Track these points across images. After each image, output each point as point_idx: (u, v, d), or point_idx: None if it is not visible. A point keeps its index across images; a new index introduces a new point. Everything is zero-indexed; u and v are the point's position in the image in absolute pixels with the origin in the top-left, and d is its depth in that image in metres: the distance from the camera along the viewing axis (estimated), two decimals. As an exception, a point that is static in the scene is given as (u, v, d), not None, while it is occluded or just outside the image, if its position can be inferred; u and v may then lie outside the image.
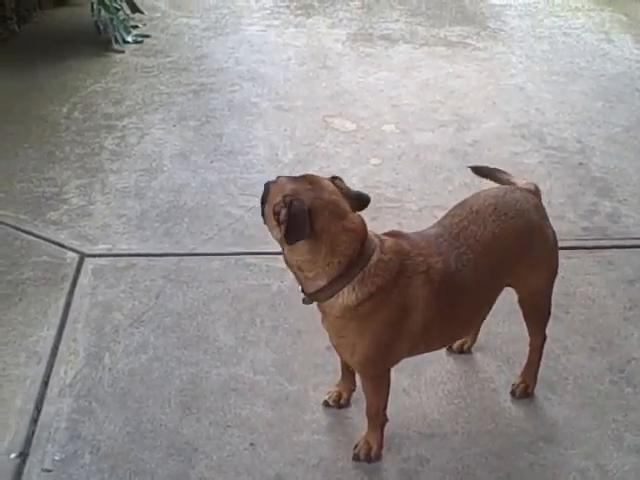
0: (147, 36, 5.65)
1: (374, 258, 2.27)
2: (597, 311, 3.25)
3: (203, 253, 3.53)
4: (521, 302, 2.70)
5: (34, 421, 2.69)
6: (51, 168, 4.11)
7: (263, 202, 2.34)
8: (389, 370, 2.48)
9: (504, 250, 2.47)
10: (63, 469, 2.53)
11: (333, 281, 2.25)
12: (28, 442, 2.61)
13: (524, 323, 2.76)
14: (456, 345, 2.99)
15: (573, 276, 3.42)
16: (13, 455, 2.56)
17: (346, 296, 2.26)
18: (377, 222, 3.71)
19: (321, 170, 4.16)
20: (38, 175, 4.05)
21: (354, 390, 2.76)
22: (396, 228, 3.67)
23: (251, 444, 2.64)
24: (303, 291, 2.34)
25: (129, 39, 5.56)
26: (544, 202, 3.71)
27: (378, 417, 2.55)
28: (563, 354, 3.02)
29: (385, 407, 2.54)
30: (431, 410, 2.79)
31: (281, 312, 3.17)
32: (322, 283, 2.26)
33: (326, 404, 2.77)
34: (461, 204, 2.58)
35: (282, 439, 2.66)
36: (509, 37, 5.86)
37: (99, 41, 5.47)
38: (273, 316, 3.17)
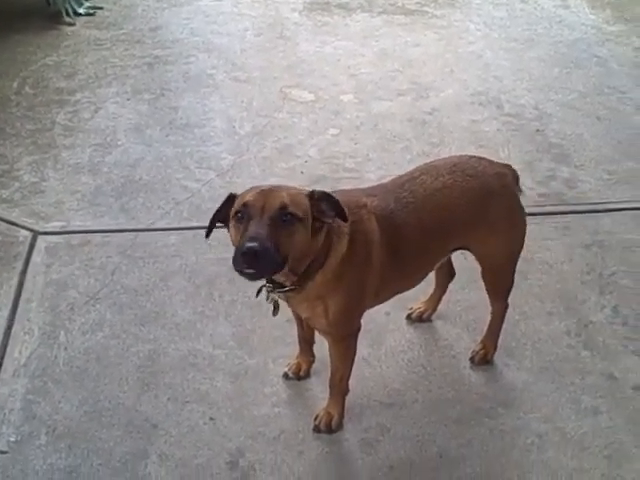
0: (99, 8, 5.51)
1: None
2: (555, 276, 3.27)
3: (160, 228, 3.48)
4: (482, 271, 2.69)
5: (-12, 403, 2.64)
6: (1, 145, 4.01)
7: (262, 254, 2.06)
8: (357, 333, 2.46)
9: (452, 205, 2.44)
10: (19, 450, 2.50)
11: (325, 239, 2.21)
12: (-18, 424, 2.57)
13: (484, 290, 2.76)
14: (415, 314, 3.00)
15: (531, 242, 3.39)
16: (-33, 438, 2.51)
17: (338, 245, 2.23)
18: (336, 193, 3.70)
19: (279, 141, 4.13)
20: (-12, 152, 3.95)
21: (313, 362, 2.76)
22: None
23: (211, 419, 2.62)
24: (276, 286, 2.25)
25: (81, 11, 5.41)
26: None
27: (341, 386, 2.55)
28: (522, 319, 3.04)
29: (349, 376, 2.53)
30: (391, 379, 2.79)
31: (240, 286, 3.13)
32: (315, 253, 2.20)
33: (286, 376, 2.76)
34: (429, 162, 2.60)
35: (242, 413, 2.65)
36: (467, 5, 5.81)
37: (49, 13, 5.31)
38: (232, 290, 3.14)
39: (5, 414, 2.61)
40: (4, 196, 3.63)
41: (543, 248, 3.39)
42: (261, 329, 2.96)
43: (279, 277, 2.21)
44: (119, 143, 4.08)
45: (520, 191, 2.66)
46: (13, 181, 3.74)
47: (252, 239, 2.02)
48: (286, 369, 2.77)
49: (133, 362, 2.82)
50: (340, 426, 2.59)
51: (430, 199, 2.42)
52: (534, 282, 3.22)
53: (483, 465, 2.51)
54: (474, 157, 2.62)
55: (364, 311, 2.47)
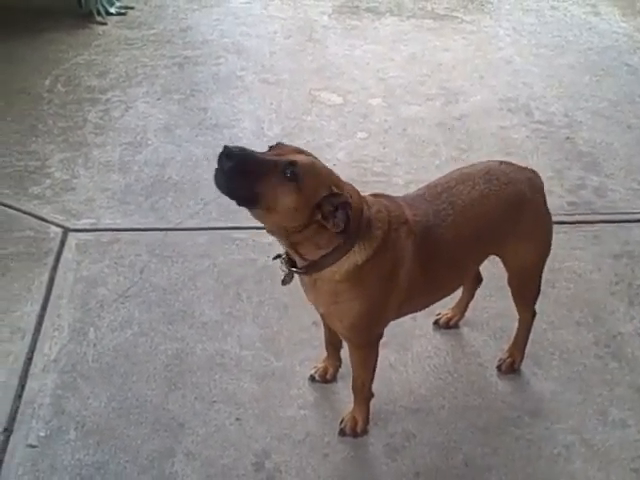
0: (130, 8, 5.55)
1: (367, 213, 2.20)
2: (583, 286, 3.25)
3: (188, 228, 3.49)
4: (510, 278, 2.67)
5: (18, 397, 2.67)
6: (34, 142, 4.05)
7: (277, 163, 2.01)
8: (377, 342, 2.43)
9: (489, 214, 2.42)
10: (48, 445, 2.52)
11: (343, 243, 2.15)
12: (12, 418, 2.60)
13: (511, 298, 2.75)
14: (443, 320, 2.99)
15: (560, 251, 3.40)
16: (-3, 431, 2.54)
17: (357, 255, 2.17)
18: (364, 197, 3.71)
19: (308, 144, 4.12)
20: (20, 149, 3.99)
21: (340, 366, 2.76)
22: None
23: (237, 419, 2.64)
24: (292, 267, 2.24)
25: (112, 11, 5.46)
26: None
27: (364, 391, 2.54)
28: (549, 329, 3.02)
29: (371, 382, 2.53)
30: (418, 385, 2.79)
31: (267, 287, 3.15)
32: (331, 248, 2.15)
33: (312, 379, 2.77)
34: (458, 169, 2.55)
35: (268, 414, 2.66)
36: (496, 10, 5.80)
37: (81, 13, 5.36)
38: (259, 291, 3.15)
39: (35, 409, 2.63)
40: (36, 192, 3.67)
41: (572, 257, 3.38)
42: (288, 331, 2.97)
43: (290, 252, 2.20)
44: (149, 142, 4.11)
45: None
46: (44, 178, 3.78)
47: (242, 149, 1.97)
48: (313, 372, 2.78)
49: (161, 360, 2.84)
50: (365, 431, 2.59)
51: (468, 210, 2.39)
52: (562, 291, 3.21)
53: (509, 474, 2.50)
54: (504, 162, 2.59)
55: (387, 323, 2.44)
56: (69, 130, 4.17)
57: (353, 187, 2.22)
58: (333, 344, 2.72)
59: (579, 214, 3.67)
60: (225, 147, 1.96)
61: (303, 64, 4.93)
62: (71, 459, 2.48)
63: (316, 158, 2.14)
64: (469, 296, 2.96)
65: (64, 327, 2.95)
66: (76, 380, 2.75)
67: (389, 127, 4.32)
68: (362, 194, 2.27)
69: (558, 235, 3.45)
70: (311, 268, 2.20)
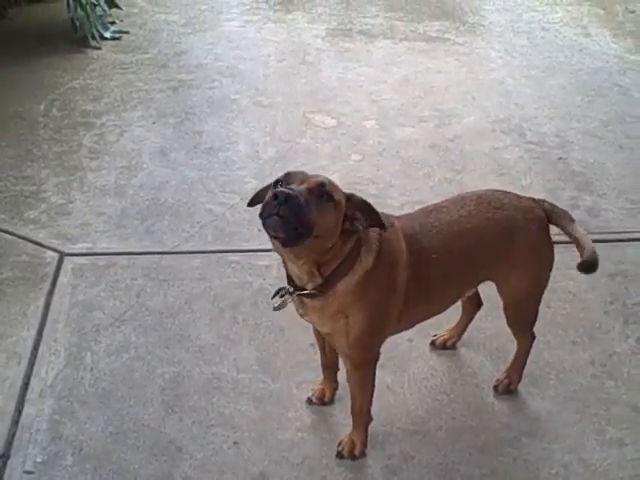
0: (125, 32, 5.60)
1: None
2: (578, 305, 3.26)
3: (184, 251, 3.50)
4: (504, 305, 2.66)
5: (15, 422, 2.66)
6: (29, 166, 4.07)
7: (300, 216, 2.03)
8: (376, 362, 2.44)
9: (479, 236, 2.45)
10: (45, 471, 2.51)
11: (352, 250, 2.21)
12: (9, 444, 2.58)
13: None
14: (439, 341, 3.00)
15: (554, 271, 3.35)
16: (-6, 457, 2.53)
17: (365, 258, 2.23)
18: (359, 218, 3.72)
19: (302, 167, 4.12)
20: (16, 173, 4.00)
21: (337, 388, 2.76)
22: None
23: (235, 443, 2.63)
24: (298, 289, 2.25)
25: (107, 35, 5.51)
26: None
27: (362, 415, 2.54)
28: (545, 348, 3.03)
29: (370, 404, 2.53)
30: (415, 407, 2.79)
31: (263, 310, 3.16)
32: (344, 256, 2.20)
33: (310, 401, 2.76)
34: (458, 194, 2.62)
35: (266, 437, 2.65)
36: (488, 32, 5.87)
37: (76, 38, 5.40)
38: (255, 314, 3.15)
39: (32, 434, 2.62)
40: (31, 217, 3.67)
41: (566, 277, 3.38)
42: (285, 353, 2.97)
43: (303, 277, 2.21)
44: (144, 166, 4.13)
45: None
46: (40, 202, 3.79)
47: (288, 189, 2.02)
48: (310, 394, 2.77)
49: (158, 384, 2.83)
50: (363, 454, 2.59)
51: (455, 226, 2.43)
52: (557, 311, 3.22)
53: (507, 495, 2.50)
54: (501, 191, 2.62)
55: (385, 338, 2.46)
56: (64, 154, 4.19)
57: None
58: (330, 367, 2.72)
59: (573, 234, 3.68)
60: (278, 193, 1.99)
61: (297, 87, 4.97)
62: (68, 485, 2.47)
63: None
64: (467, 319, 2.97)
65: (60, 352, 2.95)
66: (73, 405, 2.74)
67: (383, 149, 4.35)
68: None
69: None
70: (325, 286, 2.22)
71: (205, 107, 4.71)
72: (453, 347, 3.00)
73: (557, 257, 3.44)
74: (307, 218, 2.02)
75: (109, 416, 2.71)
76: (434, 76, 5.17)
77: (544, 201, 2.65)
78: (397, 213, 3.72)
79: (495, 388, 2.85)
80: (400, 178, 4.09)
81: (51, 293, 3.22)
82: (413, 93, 4.94)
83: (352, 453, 2.58)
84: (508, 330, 2.79)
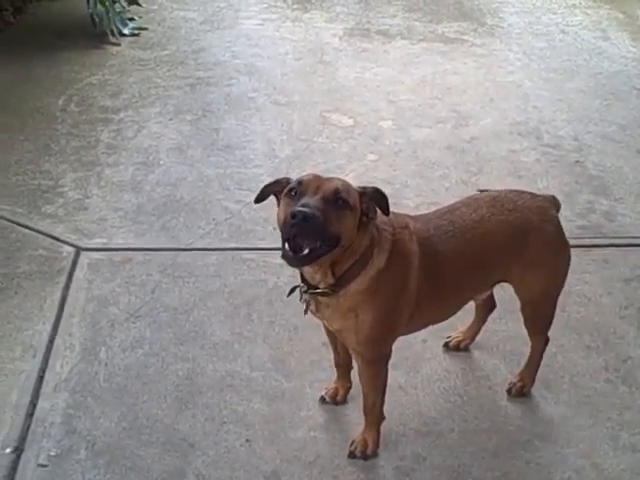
0: (144, 29, 5.63)
1: (377, 222, 2.27)
2: (593, 310, 3.25)
3: (200, 248, 3.51)
4: (521, 305, 2.67)
5: (29, 415, 2.68)
6: (47, 161, 4.09)
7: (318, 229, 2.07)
8: (387, 360, 2.45)
9: (493, 237, 2.45)
10: (58, 464, 2.52)
11: (366, 249, 2.23)
12: (23, 437, 2.60)
13: (522, 322, 2.76)
14: (453, 342, 3.00)
15: (569, 275, 3.37)
16: (8, 450, 2.55)
17: (379, 258, 2.24)
18: (374, 218, 3.72)
19: (318, 166, 4.16)
20: (34, 168, 4.03)
21: (350, 387, 2.76)
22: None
23: (247, 440, 2.64)
24: (310, 288, 2.26)
25: (125, 31, 5.54)
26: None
27: (374, 413, 2.54)
28: (559, 352, 3.02)
29: (382, 404, 2.53)
30: (428, 408, 2.79)
31: (278, 308, 3.16)
32: (358, 255, 2.21)
33: (323, 400, 2.77)
34: (472, 195, 2.62)
35: (278, 435, 2.66)
36: (506, 34, 5.86)
37: (95, 33, 5.44)
38: (270, 312, 3.16)
39: (46, 427, 2.64)
40: (48, 211, 3.70)
41: (582, 281, 3.38)
42: (298, 352, 2.98)
43: (316, 276, 2.23)
44: (161, 162, 4.14)
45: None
46: (57, 197, 3.81)
47: (304, 205, 2.04)
48: (323, 393, 2.77)
49: (172, 380, 2.84)
50: (375, 453, 2.59)
51: (468, 229, 2.43)
52: (572, 315, 3.21)
53: (519, 498, 2.50)
54: (515, 191, 2.62)
55: (396, 337, 2.47)
56: (82, 150, 4.21)
57: None
58: (343, 365, 2.72)
59: (589, 238, 3.68)
60: (296, 213, 2.02)
61: (314, 86, 4.98)
62: (82, 479, 2.48)
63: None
64: (481, 321, 2.97)
65: (75, 346, 2.97)
66: (87, 399, 2.76)
67: (399, 149, 4.35)
68: None
69: (568, 259, 3.48)
70: (338, 285, 2.23)
71: (222, 105, 4.72)
72: (466, 349, 3.00)
73: (573, 261, 3.43)
74: (330, 232, 2.07)
75: (123, 411, 2.72)
76: (452, 77, 5.16)
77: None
78: (412, 214, 3.76)
79: (508, 391, 2.84)
80: (416, 179, 4.08)
81: (67, 287, 3.24)
82: (430, 94, 4.93)
83: (364, 453, 2.57)
84: (523, 333, 2.79)
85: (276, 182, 2.28)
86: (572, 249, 3.51)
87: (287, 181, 2.24)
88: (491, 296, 2.88)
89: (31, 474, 2.49)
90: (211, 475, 2.52)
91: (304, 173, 3.68)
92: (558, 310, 3.15)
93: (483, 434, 2.70)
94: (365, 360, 2.43)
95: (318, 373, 2.88)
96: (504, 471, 2.57)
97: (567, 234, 3.58)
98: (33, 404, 2.72)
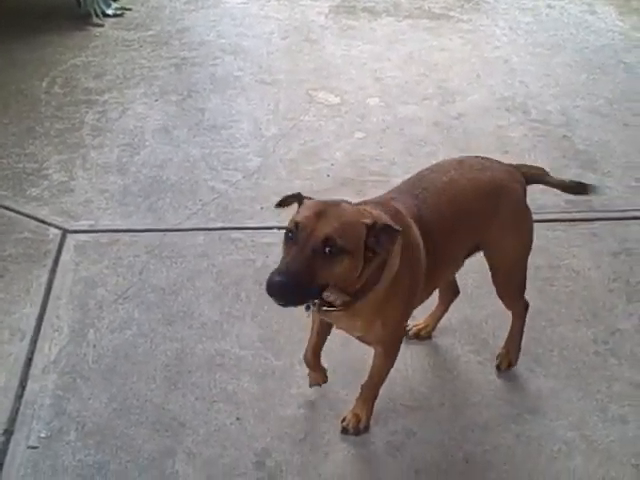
0: (128, 9, 5.56)
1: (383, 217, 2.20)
2: (582, 283, 3.26)
3: (187, 228, 3.50)
4: (493, 274, 2.63)
5: (19, 398, 2.67)
6: (31, 144, 4.05)
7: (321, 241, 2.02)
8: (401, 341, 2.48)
9: (465, 198, 2.42)
10: (49, 446, 2.52)
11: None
12: (13, 419, 2.59)
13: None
14: (413, 331, 2.94)
15: (558, 248, 3.43)
16: (-2, 432, 2.54)
17: (391, 266, 2.20)
18: (362, 195, 3.67)
19: (305, 144, 4.14)
20: (18, 150, 3.99)
21: (325, 381, 2.71)
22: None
23: (237, 419, 2.64)
24: (323, 305, 2.19)
25: (109, 12, 5.46)
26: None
27: (375, 390, 2.55)
28: (548, 326, 3.03)
29: (383, 381, 2.55)
30: (418, 383, 2.79)
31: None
32: (371, 271, 2.15)
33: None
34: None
35: (268, 413, 2.66)
36: (493, 9, 5.82)
37: (78, 15, 5.36)
38: (258, 291, 3.15)
39: (35, 410, 2.63)
40: (34, 194, 3.67)
41: (570, 255, 3.39)
42: (287, 330, 2.97)
43: (330, 296, 2.16)
44: (147, 144, 4.11)
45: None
46: (42, 180, 3.78)
47: (280, 273, 2.00)
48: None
49: (161, 361, 2.84)
50: (367, 428, 2.59)
51: (443, 194, 2.40)
52: (561, 289, 3.22)
53: (510, 471, 2.51)
54: (481, 156, 2.62)
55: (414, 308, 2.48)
56: (66, 132, 4.17)
57: (365, 204, 2.26)
58: (318, 354, 2.64)
59: (577, 212, 3.67)
60: (272, 284, 2.01)
61: (300, 64, 4.94)
62: (72, 460, 2.48)
63: (331, 202, 2.12)
64: (443, 308, 2.93)
65: (63, 328, 2.95)
66: (76, 381, 2.75)
67: (386, 127, 4.33)
68: (359, 207, 2.23)
69: (556, 233, 3.51)
70: (356, 299, 2.18)
71: (208, 84, 4.68)
72: (429, 337, 2.96)
73: (560, 235, 3.48)
74: (315, 284, 2.02)
75: (112, 392, 2.71)
76: (438, 54, 5.13)
77: (522, 165, 2.68)
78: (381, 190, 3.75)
79: (497, 367, 2.84)
80: (404, 156, 4.07)
81: (54, 270, 3.22)
82: (417, 71, 4.90)
83: (357, 428, 2.58)
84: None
85: (296, 196, 2.19)
86: (560, 223, 3.57)
87: (301, 198, 2.17)
88: (454, 281, 2.87)
89: (21, 456, 2.48)
90: (202, 453, 2.52)
91: (291, 150, 3.64)
92: (547, 284, 3.19)
93: (473, 408, 2.71)
94: (386, 347, 2.43)
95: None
96: (494, 445, 2.59)
97: (555, 208, 3.65)
98: (22, 386, 2.71)
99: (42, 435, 2.55)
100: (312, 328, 2.60)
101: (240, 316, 3.04)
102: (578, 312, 3.11)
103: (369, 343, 2.44)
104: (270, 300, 3.02)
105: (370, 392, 2.56)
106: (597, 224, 3.60)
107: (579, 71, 4.95)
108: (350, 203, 2.18)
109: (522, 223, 2.59)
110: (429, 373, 2.83)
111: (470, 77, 4.84)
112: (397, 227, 2.11)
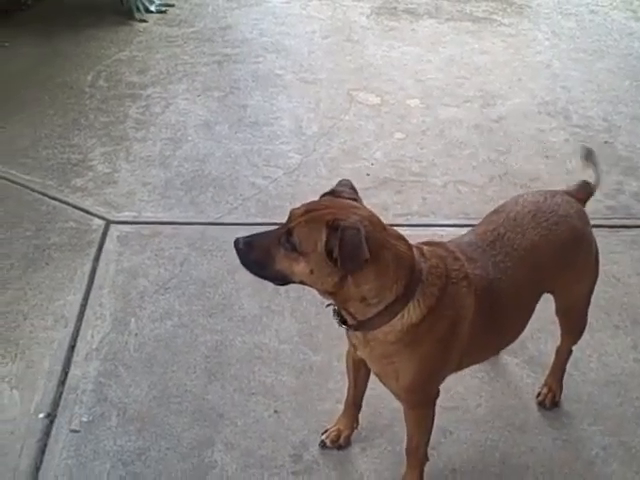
0: (171, 5, 5.63)
1: (424, 266, 2.03)
2: (622, 290, 3.24)
3: (228, 223, 3.53)
4: (562, 312, 2.56)
5: (62, 383, 2.72)
6: (76, 135, 4.12)
7: (293, 244, 1.94)
8: (435, 401, 2.28)
9: (545, 259, 2.27)
10: (90, 430, 2.56)
11: (396, 300, 1.99)
12: (56, 403, 2.64)
13: (547, 301, 2.71)
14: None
15: (598, 254, 3.40)
16: (41, 415, 2.59)
17: (411, 313, 2.01)
18: (401, 196, 3.74)
19: (345, 144, 4.16)
20: (63, 142, 4.06)
21: (356, 429, 2.57)
22: (420, 203, 3.72)
23: (275, 411, 2.66)
24: (344, 323, 2.09)
25: (152, 8, 5.55)
26: (570, 181, 3.71)
27: (418, 455, 2.36)
28: (587, 331, 2.97)
29: (427, 444, 2.36)
30: (454, 383, 2.77)
31: (305, 283, 3.17)
32: (383, 306, 1.99)
33: (323, 445, 2.55)
34: (496, 211, 2.37)
35: (306, 407, 2.68)
36: (535, 13, 5.80)
37: (122, 10, 5.45)
38: (297, 287, 3.04)
39: (78, 394, 2.68)
40: (78, 185, 3.73)
41: (610, 261, 3.36)
42: (326, 326, 2.99)
43: (341, 312, 2.08)
44: (189, 138, 4.16)
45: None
46: (87, 171, 3.84)
47: (244, 242, 2.05)
48: (323, 437, 2.55)
49: (201, 352, 2.87)
50: None
51: (524, 261, 2.22)
52: (600, 295, 3.17)
53: (546, 474, 2.50)
54: (542, 194, 2.40)
55: (444, 379, 2.29)
56: (110, 124, 4.24)
57: (372, 214, 2.01)
58: (356, 403, 2.54)
59: (617, 218, 3.66)
60: (235, 240, 2.04)
61: (341, 64, 4.96)
62: (113, 445, 2.52)
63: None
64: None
65: (106, 316, 3.00)
66: (118, 368, 2.79)
67: (427, 128, 4.34)
68: (416, 244, 2.13)
69: (597, 239, 3.45)
70: (362, 327, 2.06)
71: (250, 82, 4.72)
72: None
73: (602, 241, 3.39)
74: (272, 269, 2.02)
75: (153, 381, 2.75)
76: (479, 57, 5.12)
77: (578, 190, 2.51)
78: (440, 192, 3.76)
79: (541, 403, 2.72)
80: (443, 157, 4.07)
81: (97, 259, 3.28)
82: (458, 73, 4.91)
83: None
84: (546, 309, 2.74)
85: (332, 191, 2.10)
86: (601, 229, 3.53)
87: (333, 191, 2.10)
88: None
89: (64, 439, 2.53)
90: (240, 444, 2.55)
91: (331, 149, 3.65)
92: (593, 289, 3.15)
93: (510, 410, 2.70)
94: (410, 405, 2.27)
95: (345, 347, 2.84)
96: (531, 446, 2.58)
97: (595, 214, 3.60)
98: (65, 372, 2.76)
99: (84, 420, 2.60)
100: (348, 375, 2.50)
101: (279, 310, 3.07)
102: (618, 318, 3.09)
103: (394, 394, 2.25)
104: (309, 296, 3.10)
105: (413, 457, 2.37)
106: (637, 231, 3.58)
107: (622, 77, 4.91)
108: (362, 205, 2.04)
109: (593, 265, 2.48)
110: (466, 374, 2.81)
111: (511, 81, 4.83)
112: (359, 227, 1.88)
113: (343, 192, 2.07)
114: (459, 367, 2.30)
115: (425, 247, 2.13)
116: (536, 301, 2.40)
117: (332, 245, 1.88)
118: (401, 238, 2.03)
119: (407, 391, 2.19)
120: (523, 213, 2.31)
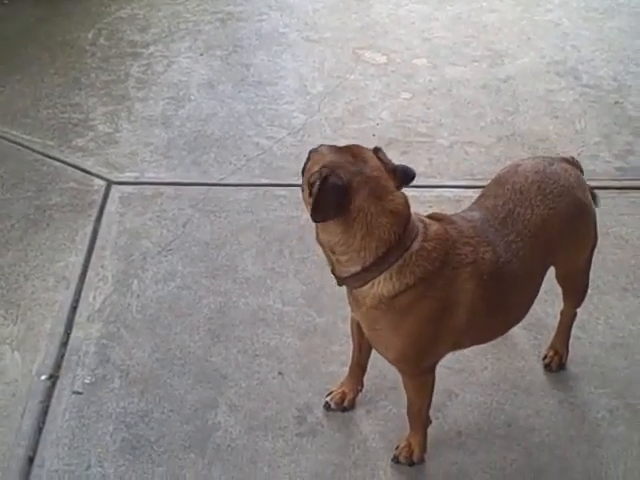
0: (173, -38, 5.51)
1: (415, 245, 2.02)
2: (630, 251, 3.20)
3: (231, 184, 3.49)
4: (562, 279, 2.53)
5: (64, 345, 2.71)
6: (77, 94, 4.06)
7: (303, 171, 2.13)
8: (433, 369, 2.26)
9: (552, 232, 2.25)
10: (93, 392, 2.55)
11: (367, 268, 2.00)
12: (58, 365, 2.64)
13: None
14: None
15: (606, 216, 3.33)
16: (44, 377, 2.58)
17: (381, 285, 2.01)
18: (407, 156, 3.68)
19: (350, 103, 4.10)
20: (64, 101, 4.00)
21: (360, 391, 2.56)
22: (427, 163, 3.67)
23: (280, 373, 2.65)
24: (333, 273, 2.12)
25: (154, -35, 5.42)
26: (579, 142, 3.67)
27: (420, 418, 2.36)
28: (595, 294, 2.97)
29: (429, 407, 2.34)
30: (460, 345, 2.77)
31: (309, 244, 3.11)
32: (355, 269, 2.01)
33: (327, 407, 2.54)
34: (499, 182, 2.32)
35: (310, 369, 2.67)
36: (545, -29, 5.66)
37: (124, -34, 5.33)
38: (301, 248, 3.14)
39: (80, 357, 2.67)
40: (79, 145, 3.68)
41: (619, 223, 3.32)
42: (330, 288, 2.92)
43: (333, 262, 2.09)
44: (192, 98, 4.10)
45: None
46: (88, 130, 3.79)
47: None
48: (327, 398, 2.54)
49: (204, 313, 2.85)
50: (422, 460, 2.39)
51: (534, 238, 2.20)
52: (609, 256, 3.15)
53: (552, 435, 2.49)
54: (541, 163, 2.34)
55: (442, 355, 2.27)
56: (112, 84, 4.17)
57: (404, 200, 2.05)
58: (361, 366, 2.52)
59: (627, 179, 3.60)
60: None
61: (347, 22, 4.86)
62: (116, 406, 2.51)
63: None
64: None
65: (108, 278, 2.98)
66: (120, 330, 2.77)
67: (433, 88, 4.26)
68: (431, 220, 2.12)
69: (606, 200, 3.37)
70: (344, 283, 2.11)
71: (253, 40, 4.63)
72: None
73: (610, 202, 3.40)
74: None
75: (156, 342, 2.74)
76: (488, 15, 5.01)
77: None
78: (446, 152, 3.70)
79: (548, 366, 2.70)
80: (450, 117, 4.00)
81: (99, 220, 3.25)
82: (466, 32, 4.80)
83: (409, 459, 2.39)
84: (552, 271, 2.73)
85: (376, 149, 2.14)
86: (610, 191, 3.49)
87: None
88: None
89: (66, 401, 2.52)
90: (244, 406, 2.53)
91: (336, 109, 3.60)
92: (595, 252, 3.12)
93: (516, 372, 2.69)
94: (405, 374, 2.27)
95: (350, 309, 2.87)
96: (536, 409, 2.57)
97: (605, 175, 3.58)
98: (67, 334, 2.75)
99: (87, 381, 2.59)
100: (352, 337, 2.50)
101: (283, 272, 3.04)
102: (625, 280, 3.06)
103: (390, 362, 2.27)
104: (314, 257, 3.07)
105: (415, 421, 2.37)
106: (647, 192, 3.52)
107: (633, 36, 4.80)
108: (379, 170, 2.05)
109: (592, 233, 2.46)
110: (472, 336, 2.80)
111: (520, 40, 4.73)
112: (341, 183, 1.94)
113: (380, 151, 2.12)
114: (459, 346, 2.31)
115: (435, 225, 2.11)
116: (543, 277, 2.37)
117: (312, 182, 1.99)
118: (394, 212, 2.00)
119: (397, 361, 2.22)
120: (528, 184, 2.27)
